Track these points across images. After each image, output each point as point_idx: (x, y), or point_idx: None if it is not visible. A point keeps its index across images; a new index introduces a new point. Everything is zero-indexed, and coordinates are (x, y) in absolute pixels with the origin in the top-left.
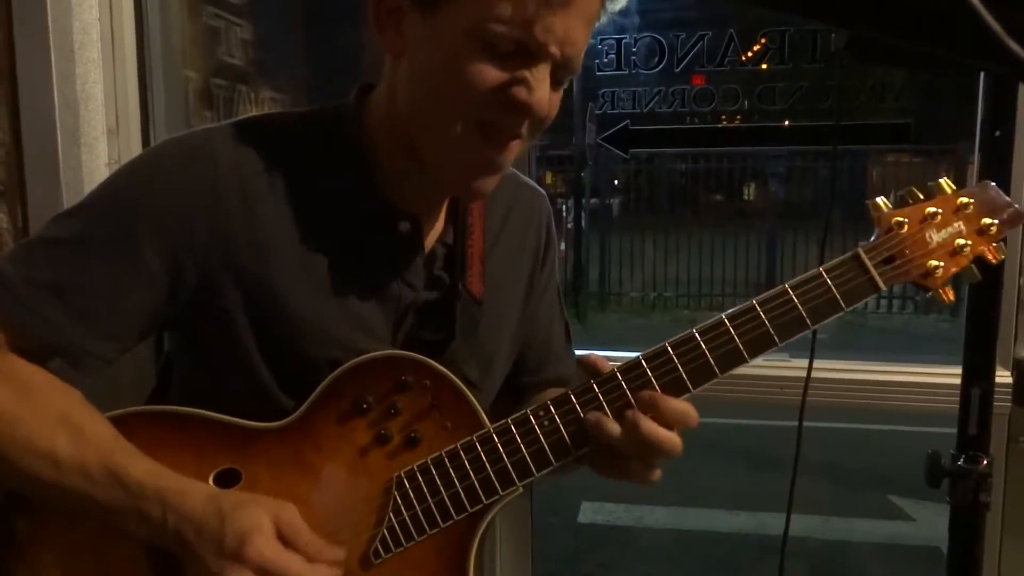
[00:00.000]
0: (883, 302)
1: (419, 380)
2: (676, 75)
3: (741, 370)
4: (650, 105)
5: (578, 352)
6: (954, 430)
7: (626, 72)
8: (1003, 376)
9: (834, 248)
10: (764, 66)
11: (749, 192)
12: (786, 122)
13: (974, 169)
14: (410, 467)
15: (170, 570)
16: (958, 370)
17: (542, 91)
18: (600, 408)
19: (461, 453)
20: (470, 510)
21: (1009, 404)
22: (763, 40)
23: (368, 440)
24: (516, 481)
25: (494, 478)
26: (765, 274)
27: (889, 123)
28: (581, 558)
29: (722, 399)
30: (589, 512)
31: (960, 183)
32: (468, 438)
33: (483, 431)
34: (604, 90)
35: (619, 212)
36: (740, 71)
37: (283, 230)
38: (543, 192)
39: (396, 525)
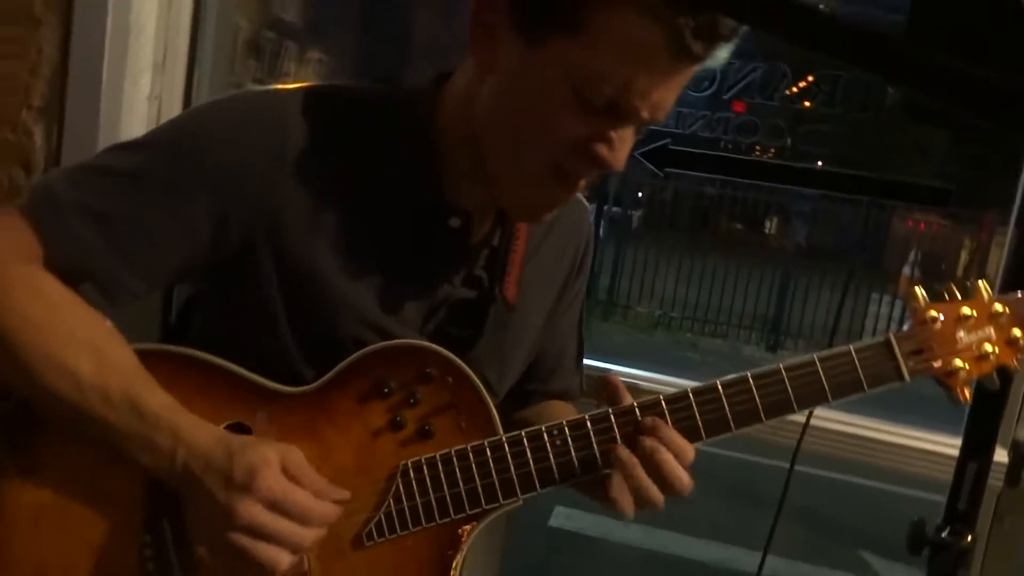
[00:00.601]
0: None
1: (443, 375)
2: (723, 102)
3: None
4: (692, 127)
5: (592, 362)
6: (941, 498)
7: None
8: (999, 455)
9: (836, 290)
10: (808, 104)
11: (771, 226)
12: (819, 163)
13: (1006, 242)
14: (418, 458)
15: (165, 508)
16: (956, 441)
17: (623, 151)
18: (613, 440)
19: (470, 455)
20: (468, 512)
21: (1001, 483)
22: (811, 77)
23: (382, 424)
24: (518, 493)
25: (497, 486)
26: (774, 311)
27: (930, 185)
28: (548, 560)
29: None
30: (561, 516)
31: (983, 253)
32: (480, 442)
33: (495, 438)
34: None
35: (639, 224)
36: (788, 109)
37: (336, 204)
38: (588, 208)
39: (394, 512)
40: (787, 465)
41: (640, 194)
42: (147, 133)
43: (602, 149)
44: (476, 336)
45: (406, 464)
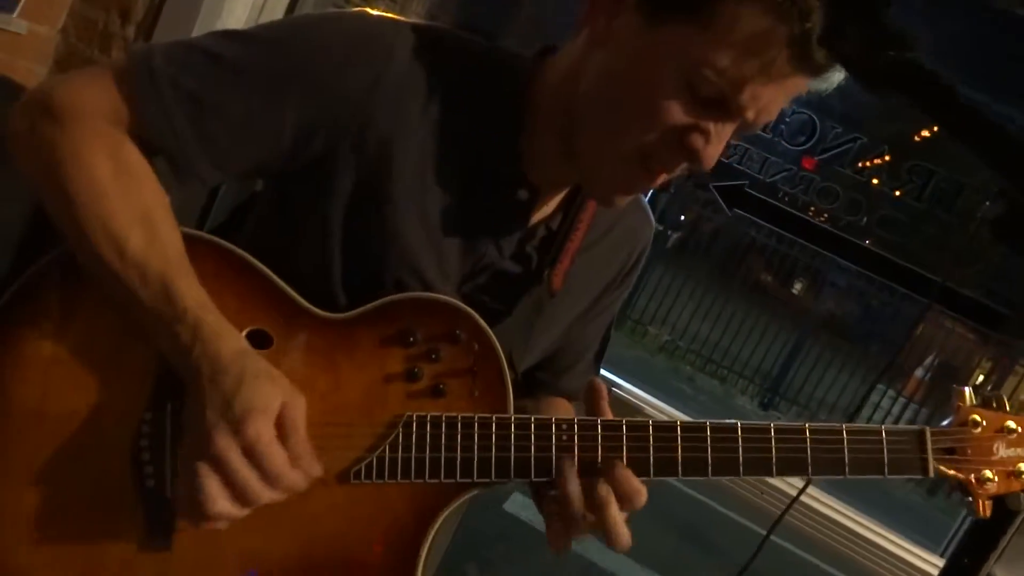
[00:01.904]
0: None
1: (470, 340)
2: (818, 163)
3: None
4: (774, 178)
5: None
6: None
7: (768, 136)
8: None
9: (845, 369)
10: (898, 193)
11: (800, 288)
12: (867, 240)
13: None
14: (424, 414)
15: (173, 392)
16: (936, 559)
17: (717, 147)
18: (620, 451)
19: (475, 425)
20: (457, 480)
21: None
22: (887, 157)
23: (398, 371)
24: (511, 475)
25: (493, 463)
26: (778, 371)
27: (988, 305)
28: (496, 543)
29: None
30: (517, 504)
31: (1000, 376)
32: (488, 415)
33: (504, 416)
34: (738, 143)
35: (673, 245)
36: (872, 189)
37: (417, 143)
38: (653, 221)
39: (387, 459)
40: (761, 531)
41: (683, 217)
42: (255, 27)
43: (697, 140)
44: (505, 311)
45: (411, 416)
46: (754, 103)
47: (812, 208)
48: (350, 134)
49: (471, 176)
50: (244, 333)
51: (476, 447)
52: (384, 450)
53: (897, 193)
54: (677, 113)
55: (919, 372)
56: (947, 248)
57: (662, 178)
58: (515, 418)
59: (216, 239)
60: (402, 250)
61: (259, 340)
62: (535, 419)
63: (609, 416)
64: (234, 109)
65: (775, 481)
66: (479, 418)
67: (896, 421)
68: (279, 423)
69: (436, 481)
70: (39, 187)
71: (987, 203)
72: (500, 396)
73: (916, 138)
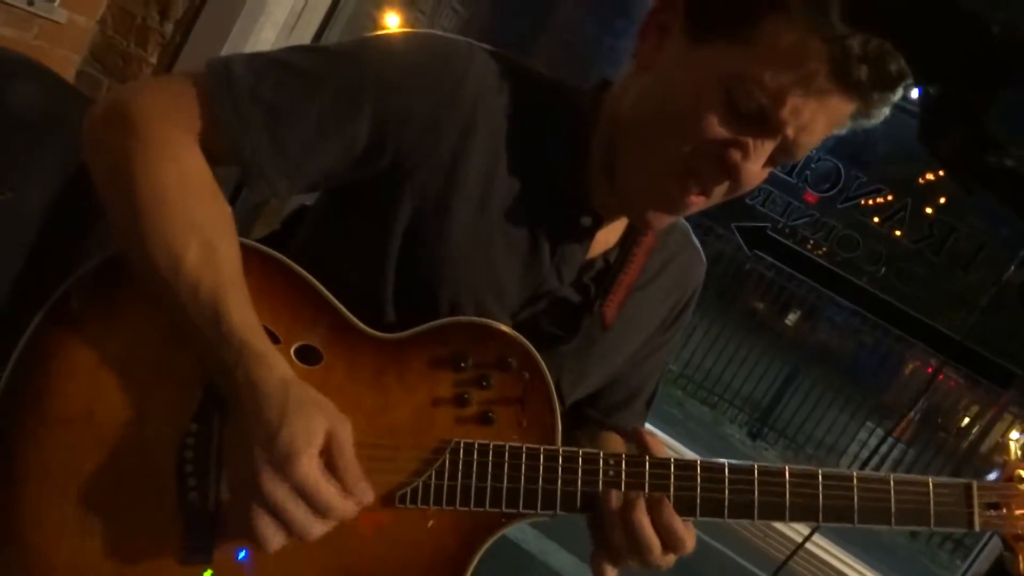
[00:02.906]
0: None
1: (521, 369)
2: (838, 210)
3: None
4: (796, 223)
5: None
6: None
7: (793, 181)
8: None
9: (835, 405)
10: (915, 245)
11: (793, 319)
12: (863, 278)
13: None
14: (472, 441)
15: (221, 404)
16: None
17: (755, 163)
18: (667, 489)
19: (523, 456)
20: (503, 510)
21: None
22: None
23: (448, 395)
24: (556, 508)
25: (539, 495)
26: (768, 402)
27: (999, 363)
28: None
29: None
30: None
31: (987, 424)
32: (536, 446)
33: (552, 448)
34: (764, 185)
35: None
36: (892, 241)
37: (482, 166)
38: (705, 261)
39: (432, 485)
40: (761, 574)
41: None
42: (335, 43)
43: (736, 155)
44: (564, 339)
45: (458, 442)
46: (794, 118)
47: (823, 249)
48: (419, 150)
49: (536, 200)
50: (294, 348)
51: (523, 478)
52: (430, 475)
53: (914, 246)
54: (716, 127)
55: (911, 413)
56: (964, 304)
57: (700, 200)
58: (563, 450)
59: (272, 252)
60: (459, 272)
61: (308, 356)
62: (583, 452)
63: (663, 454)
64: (309, 117)
65: (782, 526)
66: (527, 448)
67: (883, 460)
68: (326, 450)
69: (481, 510)
70: (106, 193)
71: (1012, 268)
72: (548, 427)
73: (942, 200)
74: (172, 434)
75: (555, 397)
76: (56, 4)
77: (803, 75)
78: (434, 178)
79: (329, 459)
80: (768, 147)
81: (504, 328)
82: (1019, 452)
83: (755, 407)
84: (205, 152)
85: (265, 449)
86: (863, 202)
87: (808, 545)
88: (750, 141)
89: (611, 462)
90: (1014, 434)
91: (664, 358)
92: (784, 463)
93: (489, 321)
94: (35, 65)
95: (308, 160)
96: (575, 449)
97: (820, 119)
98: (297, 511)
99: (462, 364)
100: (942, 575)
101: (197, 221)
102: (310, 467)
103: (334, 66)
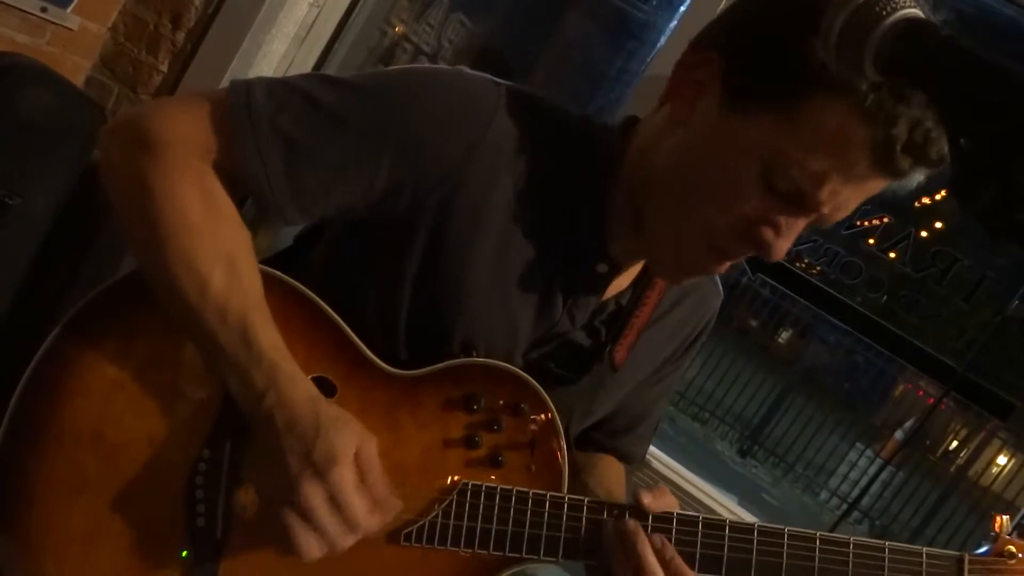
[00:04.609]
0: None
1: (532, 413)
2: (840, 236)
3: (733, 518)
4: (800, 247)
5: None
6: None
7: None
8: None
9: (825, 425)
10: (916, 273)
11: (784, 337)
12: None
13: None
14: (480, 483)
15: (234, 431)
16: None
17: (787, 241)
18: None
19: (530, 501)
20: (506, 554)
21: None
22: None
23: (458, 436)
24: (559, 555)
25: (543, 541)
26: (760, 420)
27: (999, 395)
28: None
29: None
30: None
31: (975, 449)
32: (544, 492)
33: (559, 495)
34: None
35: None
36: (894, 268)
37: (503, 211)
38: (721, 292)
39: (439, 524)
40: None
41: None
42: (358, 76)
43: (767, 233)
44: (570, 381)
45: (467, 483)
46: (831, 200)
47: (816, 269)
48: (440, 194)
49: (554, 247)
50: (309, 379)
51: (528, 523)
52: (437, 515)
53: (917, 275)
54: (751, 203)
55: (899, 434)
56: (962, 334)
57: (727, 264)
58: (568, 498)
59: (291, 281)
60: (473, 312)
61: (322, 388)
62: (588, 502)
63: (668, 507)
64: (329, 155)
65: None
66: (534, 494)
67: (872, 479)
68: (356, 463)
69: (484, 552)
70: (124, 216)
71: (1016, 301)
72: (556, 473)
73: (939, 224)
74: (184, 458)
75: (564, 444)
76: (69, 11)
77: (845, 160)
78: (453, 222)
79: (359, 474)
80: (801, 224)
81: (518, 372)
82: (1007, 526)
83: (746, 424)
84: (223, 177)
85: (303, 459)
86: (859, 222)
87: None
88: (784, 219)
89: (615, 512)
90: (1003, 518)
91: (672, 385)
92: (773, 481)
93: (503, 364)
94: (48, 73)
95: (324, 197)
96: (581, 498)
97: (857, 197)
98: (331, 519)
99: (475, 406)
100: None
101: (221, 247)
102: (348, 474)
103: (358, 106)
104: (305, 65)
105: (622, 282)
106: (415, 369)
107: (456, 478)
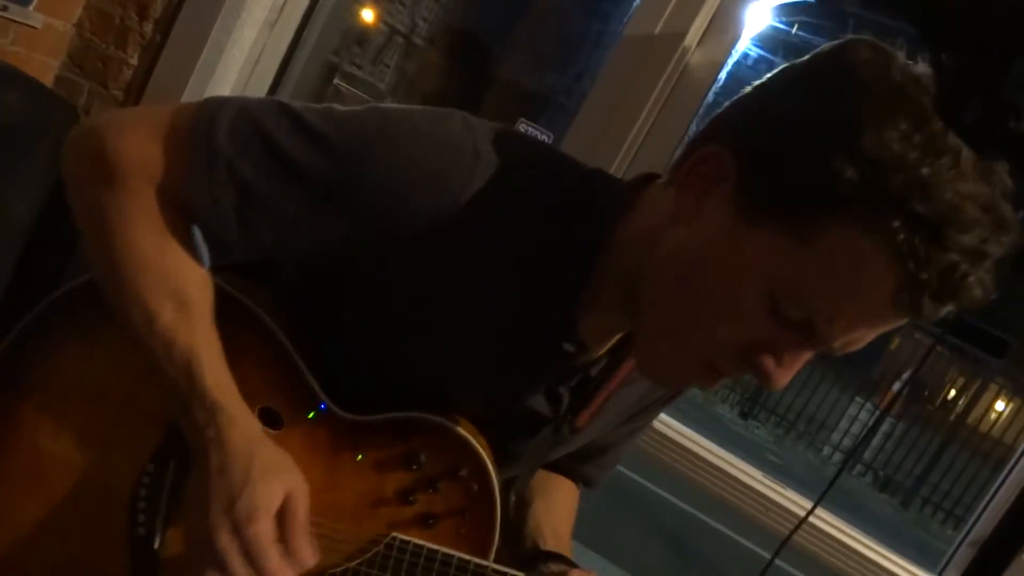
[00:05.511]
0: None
1: (470, 480)
2: None
3: (739, 475)
4: None
5: None
6: None
7: None
8: None
9: (825, 381)
10: None
11: None
12: None
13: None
14: (408, 540)
15: (179, 451)
16: None
17: (790, 373)
18: None
19: (452, 566)
20: None
21: None
22: None
23: (394, 490)
24: None
25: None
26: (756, 384)
27: (991, 332)
28: None
29: (700, 486)
30: None
31: (973, 394)
32: (467, 559)
33: (482, 564)
34: None
35: None
36: None
37: (468, 278)
38: None
39: (362, 573)
40: (766, 554)
41: None
42: (326, 121)
43: (769, 363)
44: (523, 443)
45: (394, 538)
46: (843, 336)
47: None
48: (402, 254)
49: (522, 318)
50: (257, 410)
51: None
52: (362, 563)
53: None
54: (752, 327)
55: (896, 386)
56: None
57: (723, 380)
58: (492, 569)
59: (251, 306)
60: (429, 365)
61: (269, 419)
62: (510, 575)
63: None
64: (284, 210)
65: (784, 501)
66: (458, 559)
67: (872, 429)
68: (280, 515)
69: None
70: (84, 229)
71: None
72: (485, 540)
73: None
74: (130, 469)
75: (497, 514)
76: (31, 8)
77: (863, 300)
78: (414, 283)
79: (281, 524)
80: (807, 355)
81: (464, 435)
82: None
83: (745, 387)
84: (180, 206)
85: (224, 511)
86: None
87: (811, 518)
88: (787, 350)
89: None
90: None
91: (645, 428)
92: (775, 440)
93: (451, 425)
94: (17, 73)
95: (276, 247)
96: (505, 570)
97: (873, 334)
98: (244, 571)
99: (414, 465)
100: (934, 543)
101: (171, 283)
102: (263, 529)
103: (322, 161)
104: (277, 51)
105: (591, 355)
106: (364, 414)
107: (386, 531)
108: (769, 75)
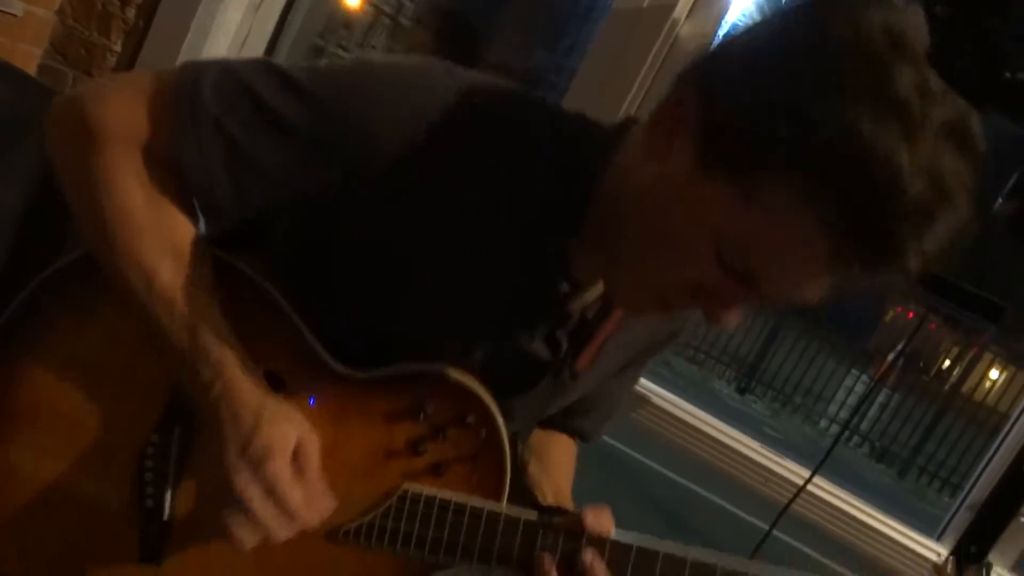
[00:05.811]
0: (850, 435)
1: (478, 426)
2: None
3: (737, 446)
4: None
5: None
6: None
7: None
8: None
9: (821, 354)
10: None
11: None
12: None
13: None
14: (420, 490)
15: (183, 418)
16: (936, 545)
17: (738, 317)
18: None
19: (466, 513)
20: (439, 560)
21: None
22: None
23: (403, 442)
24: (492, 565)
25: (476, 551)
26: (754, 356)
27: (986, 297)
28: None
29: (698, 458)
30: None
31: (968, 364)
32: (481, 505)
33: (495, 509)
34: None
35: None
36: None
37: (460, 222)
38: None
39: (376, 526)
40: (765, 526)
41: None
42: (313, 76)
43: (716, 307)
44: (524, 390)
45: (407, 489)
46: (783, 293)
47: None
48: (393, 205)
49: (516, 260)
50: (260, 373)
51: (463, 532)
52: (376, 516)
53: None
54: (702, 273)
55: (891, 356)
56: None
57: (680, 311)
58: (505, 514)
59: (246, 269)
60: (427, 319)
61: (272, 382)
62: (524, 520)
63: (606, 530)
64: (274, 166)
65: (784, 471)
66: (471, 506)
67: (866, 401)
68: (294, 459)
69: (419, 556)
70: (73, 202)
71: (1000, 200)
72: (497, 486)
73: None
74: (134, 441)
75: (508, 459)
76: None
77: (797, 262)
78: (408, 228)
79: (296, 468)
80: (753, 298)
81: (468, 383)
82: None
83: (742, 362)
84: (168, 167)
85: (240, 452)
86: None
87: (809, 487)
88: (732, 294)
89: (549, 539)
90: None
91: (638, 376)
92: (772, 414)
93: (454, 375)
94: (2, 64)
95: (266, 203)
96: (517, 516)
97: (817, 292)
98: (266, 509)
99: (421, 415)
100: (931, 511)
101: (167, 241)
102: (283, 467)
103: (307, 116)
104: (262, 33)
105: (589, 296)
106: (366, 370)
107: (397, 483)
108: (754, 22)
